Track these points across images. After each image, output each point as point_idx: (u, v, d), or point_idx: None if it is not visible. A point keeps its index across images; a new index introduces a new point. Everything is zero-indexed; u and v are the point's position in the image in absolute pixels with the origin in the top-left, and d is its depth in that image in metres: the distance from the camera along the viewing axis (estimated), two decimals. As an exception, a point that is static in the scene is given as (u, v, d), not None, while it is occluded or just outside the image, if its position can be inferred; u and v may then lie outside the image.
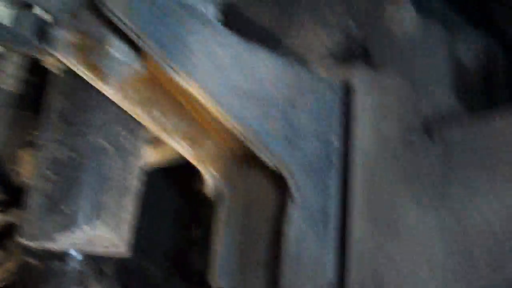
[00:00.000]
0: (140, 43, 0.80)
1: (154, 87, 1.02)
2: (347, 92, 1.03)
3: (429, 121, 0.99)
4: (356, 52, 1.12)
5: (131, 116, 1.05)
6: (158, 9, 0.79)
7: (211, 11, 0.89)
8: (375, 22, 1.09)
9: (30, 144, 1.28)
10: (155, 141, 1.27)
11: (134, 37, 0.79)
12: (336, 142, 1.02)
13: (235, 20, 1.03)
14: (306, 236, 0.96)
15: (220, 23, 0.86)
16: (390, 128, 1.00)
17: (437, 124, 0.96)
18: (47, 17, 1.00)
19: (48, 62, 1.07)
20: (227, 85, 0.88)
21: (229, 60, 0.87)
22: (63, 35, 0.96)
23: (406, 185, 0.94)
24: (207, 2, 0.88)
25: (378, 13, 1.09)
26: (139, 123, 1.09)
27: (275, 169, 0.98)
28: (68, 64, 0.98)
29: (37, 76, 1.37)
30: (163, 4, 0.80)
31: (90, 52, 0.90)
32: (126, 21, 0.76)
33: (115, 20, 0.77)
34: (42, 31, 1.02)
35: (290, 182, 0.97)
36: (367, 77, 1.02)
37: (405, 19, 1.08)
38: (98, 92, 1.00)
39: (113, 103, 1.03)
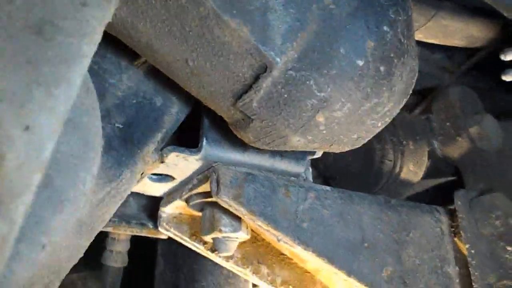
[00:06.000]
0: (250, 220, 0.84)
1: (258, 244, 1.05)
2: (452, 218, 1.01)
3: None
4: (446, 172, 1.11)
5: (239, 276, 1.07)
6: (264, 189, 0.84)
7: (309, 174, 0.93)
8: (460, 141, 1.09)
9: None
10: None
11: (245, 218, 0.84)
12: (454, 272, 0.97)
13: (331, 171, 1.08)
14: None
15: (320, 184, 0.89)
16: (504, 250, 0.95)
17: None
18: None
19: (155, 235, 1.13)
20: (335, 241, 0.89)
21: (334, 218, 0.89)
22: (171, 212, 1.03)
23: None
24: (307, 167, 0.93)
25: (462, 133, 1.09)
26: (246, 281, 1.10)
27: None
28: (178, 239, 1.03)
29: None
30: (268, 182, 0.85)
31: (200, 229, 0.95)
32: (238, 207, 0.81)
33: (227, 207, 0.82)
34: (153, 210, 1.10)
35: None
36: (469, 200, 1.00)
37: (490, 134, 1.08)
38: (206, 258, 1.04)
39: (222, 266, 1.06)
